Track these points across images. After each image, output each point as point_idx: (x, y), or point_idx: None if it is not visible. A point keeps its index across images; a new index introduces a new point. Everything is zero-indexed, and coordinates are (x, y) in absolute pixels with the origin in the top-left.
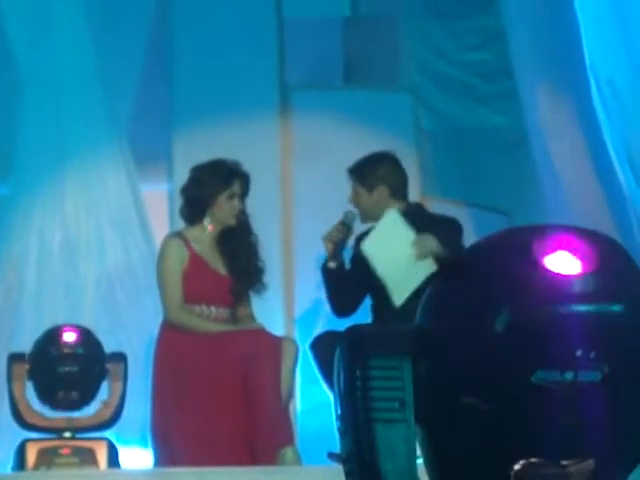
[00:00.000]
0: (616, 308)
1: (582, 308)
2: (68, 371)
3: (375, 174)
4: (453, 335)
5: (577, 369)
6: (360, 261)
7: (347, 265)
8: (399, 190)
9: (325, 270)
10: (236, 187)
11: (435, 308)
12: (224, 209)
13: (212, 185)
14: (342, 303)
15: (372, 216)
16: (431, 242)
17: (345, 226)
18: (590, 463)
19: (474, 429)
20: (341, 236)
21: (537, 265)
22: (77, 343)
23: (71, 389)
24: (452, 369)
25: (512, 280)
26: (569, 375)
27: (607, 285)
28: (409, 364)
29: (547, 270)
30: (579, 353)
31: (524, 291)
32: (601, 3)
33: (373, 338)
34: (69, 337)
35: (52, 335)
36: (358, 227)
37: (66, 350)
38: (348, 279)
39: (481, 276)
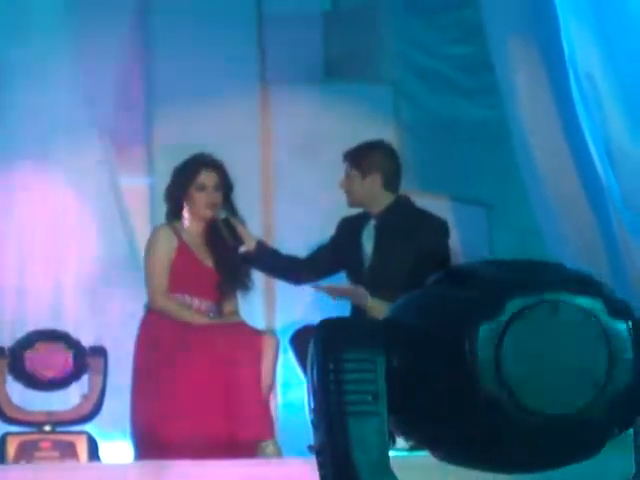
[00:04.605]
0: None
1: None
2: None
3: (371, 160)
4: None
5: None
6: (338, 240)
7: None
8: (392, 180)
9: (245, 260)
10: (204, 178)
11: (418, 306)
12: (197, 201)
13: (181, 178)
14: (293, 275)
15: (361, 202)
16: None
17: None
18: None
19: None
20: (227, 235)
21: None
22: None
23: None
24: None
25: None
26: None
27: None
28: (382, 357)
29: None
30: None
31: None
32: None
33: (346, 331)
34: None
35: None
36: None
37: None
38: (275, 254)
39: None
